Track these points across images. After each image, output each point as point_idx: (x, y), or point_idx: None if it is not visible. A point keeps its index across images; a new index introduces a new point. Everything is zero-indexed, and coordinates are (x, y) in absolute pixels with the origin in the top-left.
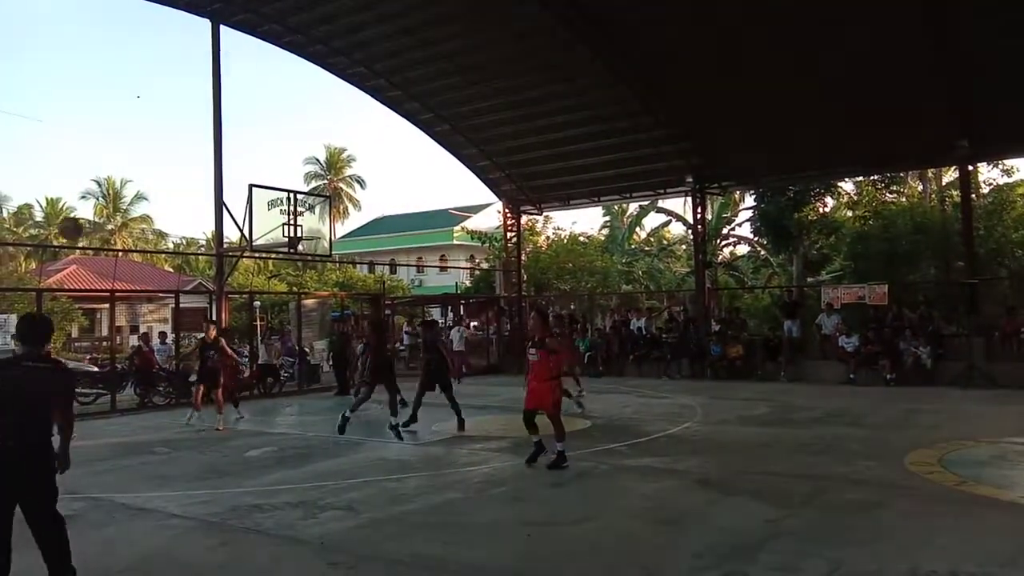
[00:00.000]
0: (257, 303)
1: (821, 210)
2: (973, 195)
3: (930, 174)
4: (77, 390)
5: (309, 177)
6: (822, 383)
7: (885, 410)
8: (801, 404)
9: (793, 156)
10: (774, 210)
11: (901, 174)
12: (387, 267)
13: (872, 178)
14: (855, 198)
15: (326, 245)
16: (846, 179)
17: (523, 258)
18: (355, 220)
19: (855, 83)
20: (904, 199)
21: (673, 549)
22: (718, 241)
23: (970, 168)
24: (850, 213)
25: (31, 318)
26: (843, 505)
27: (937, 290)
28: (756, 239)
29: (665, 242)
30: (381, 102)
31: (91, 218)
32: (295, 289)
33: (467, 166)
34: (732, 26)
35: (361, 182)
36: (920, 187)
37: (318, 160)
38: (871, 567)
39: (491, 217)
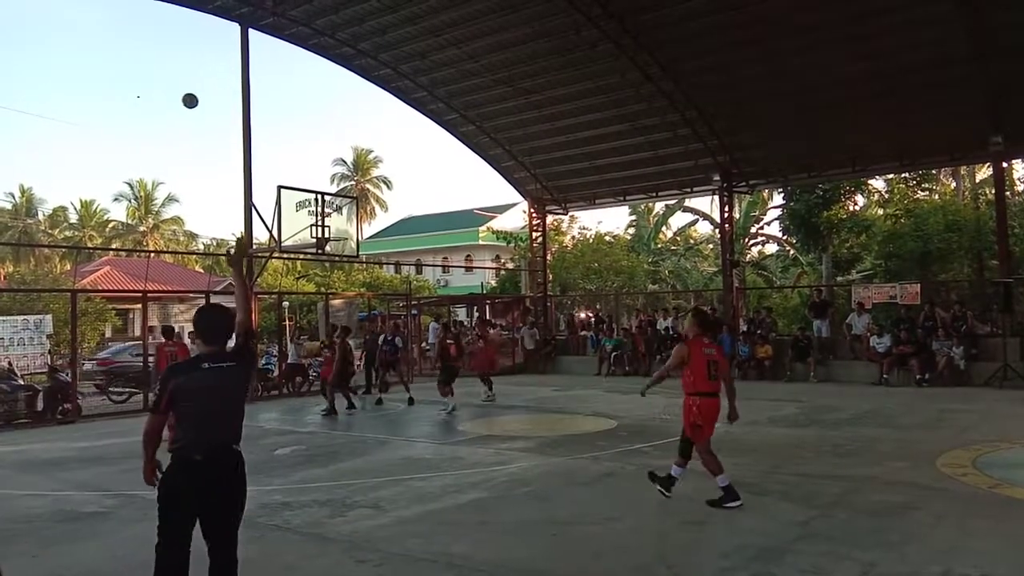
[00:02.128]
0: (286, 303)
1: (851, 208)
2: (1008, 192)
3: (963, 171)
4: (110, 389)
5: (337, 178)
6: (853, 384)
7: (917, 411)
8: (831, 405)
9: (822, 154)
10: (803, 208)
11: (933, 171)
12: (413, 267)
13: (903, 176)
14: (886, 196)
15: (353, 246)
16: (877, 177)
17: (549, 258)
18: (382, 221)
19: (886, 79)
20: (936, 197)
21: (700, 550)
22: (746, 240)
23: (1004, 165)
24: (881, 211)
25: (211, 311)
26: (874, 507)
27: (971, 289)
28: (785, 238)
29: (692, 241)
30: (407, 103)
31: (124, 220)
32: (323, 289)
33: (492, 166)
34: (760, 22)
35: (388, 183)
36: (953, 184)
37: (345, 161)
38: (903, 570)
39: (517, 217)
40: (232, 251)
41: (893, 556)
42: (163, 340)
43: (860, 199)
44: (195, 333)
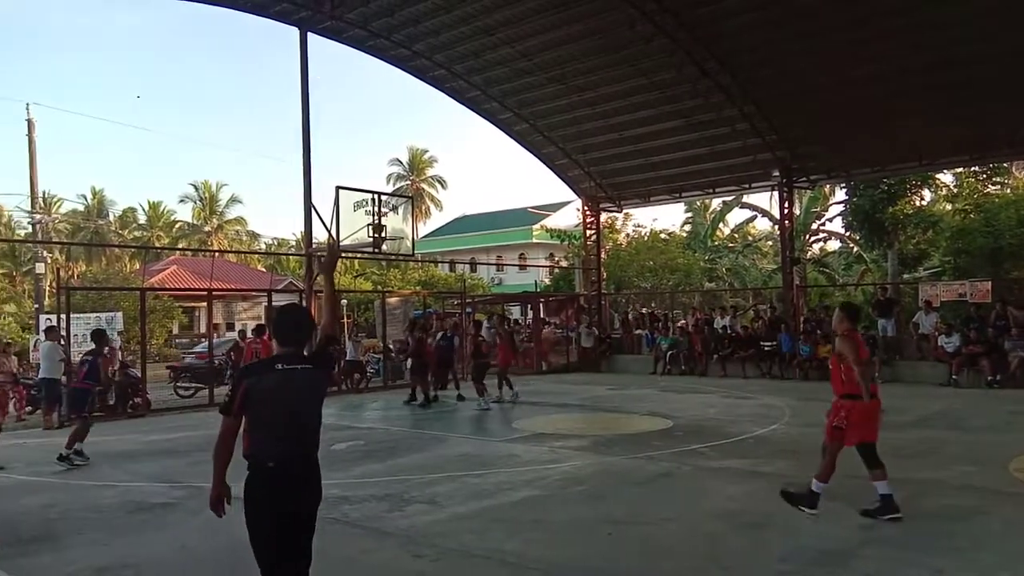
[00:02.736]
0: (344, 301)
1: (918, 203)
2: None
3: None
4: (177, 384)
5: (393, 178)
6: (920, 384)
7: (988, 413)
8: (897, 406)
9: (887, 147)
10: (867, 204)
11: (1005, 164)
12: (467, 266)
13: (973, 169)
14: (955, 190)
15: (409, 245)
16: (945, 171)
17: (603, 256)
18: (437, 220)
19: (953, 67)
20: (1008, 191)
21: (758, 552)
22: (807, 237)
23: None
24: (949, 206)
25: (289, 311)
26: (942, 512)
27: None
28: (848, 234)
29: (750, 238)
30: (461, 103)
31: (189, 220)
32: (379, 288)
33: (546, 164)
34: (820, 14)
35: (442, 182)
36: None
37: (401, 161)
38: None
39: (570, 215)
40: (323, 257)
41: (962, 561)
42: (251, 336)
43: (927, 194)
44: (273, 334)
